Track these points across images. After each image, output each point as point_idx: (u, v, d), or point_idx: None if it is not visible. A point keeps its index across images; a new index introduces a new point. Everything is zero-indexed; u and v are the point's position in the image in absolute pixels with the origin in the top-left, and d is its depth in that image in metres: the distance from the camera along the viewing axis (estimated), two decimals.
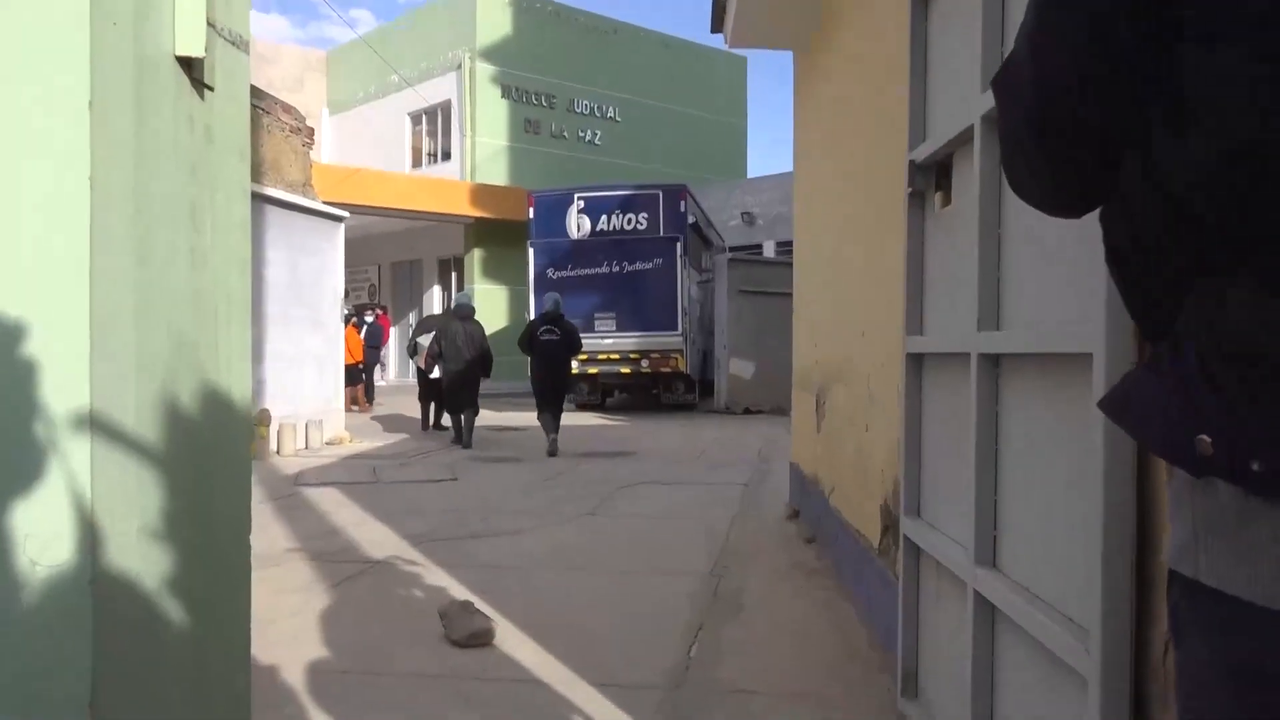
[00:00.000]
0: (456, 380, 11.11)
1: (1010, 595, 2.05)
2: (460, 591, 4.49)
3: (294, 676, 3.44)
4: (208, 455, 1.47)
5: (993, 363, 2.23)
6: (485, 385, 11.58)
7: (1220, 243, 0.70)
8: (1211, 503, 0.72)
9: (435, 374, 11.71)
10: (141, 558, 1.33)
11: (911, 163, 2.85)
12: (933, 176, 2.80)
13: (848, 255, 4.70)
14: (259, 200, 9.83)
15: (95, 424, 1.20)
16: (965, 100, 2.37)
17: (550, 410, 10.54)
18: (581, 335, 11.43)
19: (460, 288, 22.84)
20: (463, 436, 11.19)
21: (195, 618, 1.45)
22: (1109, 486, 1.60)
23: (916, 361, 2.90)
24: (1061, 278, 1.92)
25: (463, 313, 11.37)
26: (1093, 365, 1.63)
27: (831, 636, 3.90)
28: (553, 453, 10.26)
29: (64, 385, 1.21)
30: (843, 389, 4.80)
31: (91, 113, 1.24)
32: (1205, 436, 0.69)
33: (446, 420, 12.08)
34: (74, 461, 1.22)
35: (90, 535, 1.23)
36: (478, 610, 3.96)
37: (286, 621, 4.09)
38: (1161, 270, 0.77)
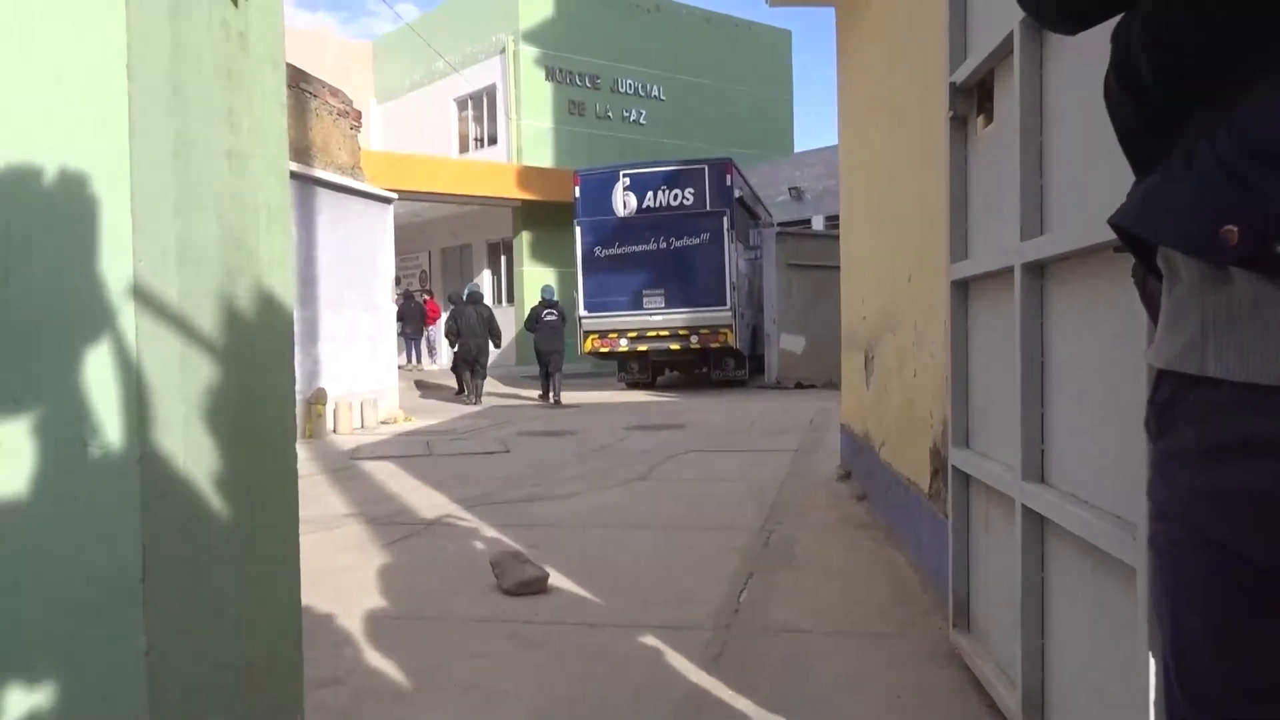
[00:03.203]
0: (469, 351, 14.06)
1: (1057, 501, 2.02)
2: (512, 547, 4.54)
3: (351, 622, 3.51)
4: (252, 351, 1.51)
5: (1037, 273, 2.19)
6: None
7: (1240, 48, 0.75)
8: (1226, 297, 0.77)
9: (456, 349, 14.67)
10: (188, 444, 1.37)
11: (952, 85, 2.80)
12: (974, 99, 2.76)
13: (892, 203, 4.64)
14: (309, 183, 10.00)
15: (140, 299, 1.24)
16: (1003, 9, 2.32)
17: (551, 376, 14.04)
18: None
19: (510, 271, 23.15)
20: (471, 395, 14.08)
21: (243, 510, 1.49)
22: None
23: (961, 289, 2.86)
24: (1104, 180, 1.87)
25: (473, 298, 14.42)
26: None
27: (883, 582, 3.88)
28: (549, 400, 13.88)
29: (109, 263, 1.25)
30: (890, 340, 4.76)
31: (127, 6, 1.28)
32: (1232, 227, 0.73)
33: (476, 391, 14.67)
34: (122, 340, 1.26)
35: (138, 415, 1.28)
36: (529, 560, 4.01)
37: (343, 575, 4.18)
38: (1179, 81, 0.82)
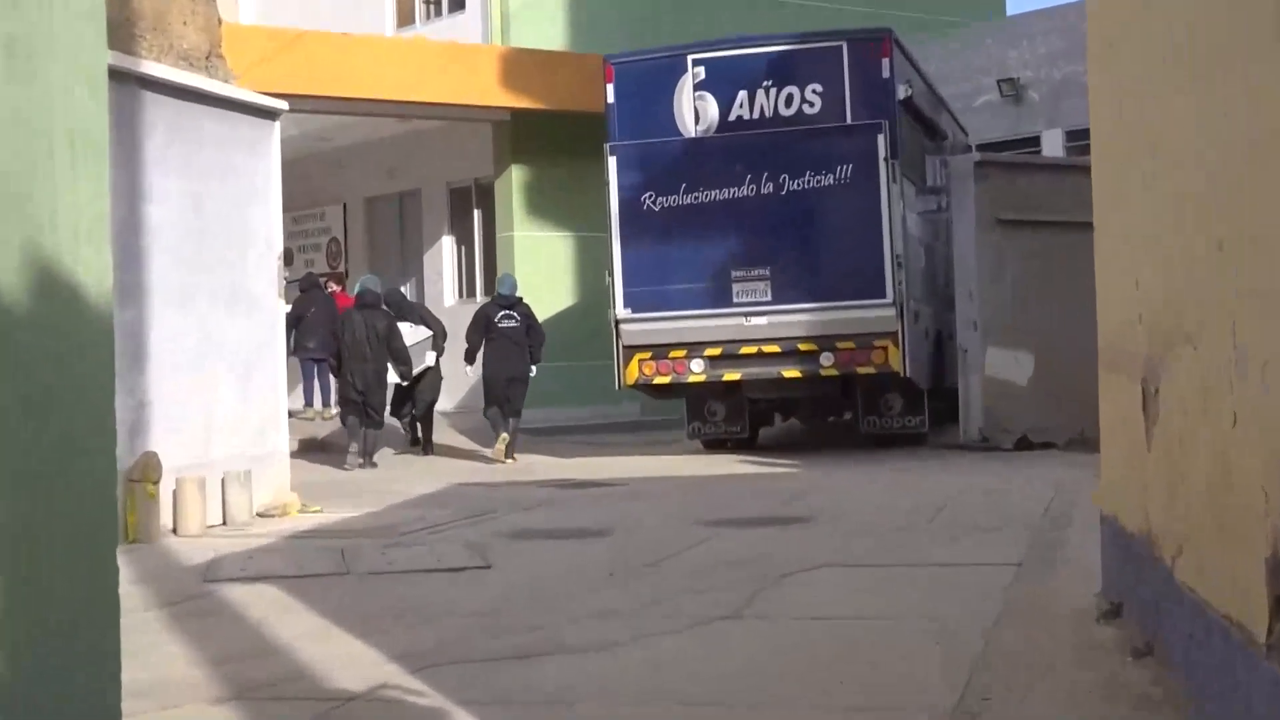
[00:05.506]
0: (360, 382, 15.55)
1: None
2: None
3: None
4: (34, 383, 1.57)
5: None
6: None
7: None
8: None
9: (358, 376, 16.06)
10: None
11: None
12: None
13: (1189, 114, 4.63)
14: (130, 82, 10.16)
15: None
16: None
17: (502, 406, 15.83)
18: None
19: (487, 236, 23.24)
20: (358, 456, 15.67)
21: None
22: None
23: None
24: None
25: (363, 300, 16.01)
26: None
27: None
28: (503, 457, 15.77)
29: None
30: (1188, 355, 4.73)
31: None
32: None
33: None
34: None
35: None
36: None
37: None
38: None
